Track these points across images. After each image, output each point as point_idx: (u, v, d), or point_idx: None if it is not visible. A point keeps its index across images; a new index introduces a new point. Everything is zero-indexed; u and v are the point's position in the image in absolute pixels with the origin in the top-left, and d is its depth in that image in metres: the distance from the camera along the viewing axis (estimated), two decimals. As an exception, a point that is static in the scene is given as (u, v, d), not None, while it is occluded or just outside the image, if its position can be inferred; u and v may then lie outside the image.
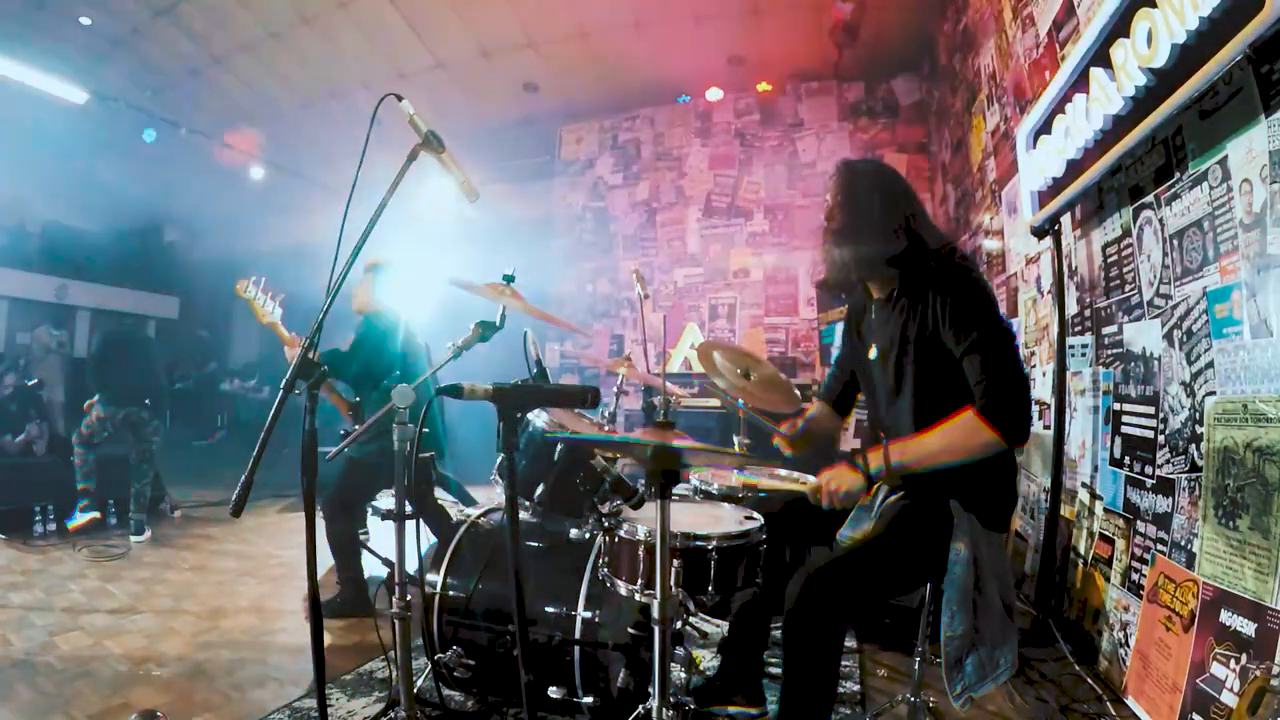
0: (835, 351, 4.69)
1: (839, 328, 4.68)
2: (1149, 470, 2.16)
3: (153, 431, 4.36)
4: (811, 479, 1.65)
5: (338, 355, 2.86)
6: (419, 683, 2.06)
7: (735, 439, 2.77)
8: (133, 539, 4.02)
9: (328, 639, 2.62)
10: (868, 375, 1.78)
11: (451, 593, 1.99)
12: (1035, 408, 3.27)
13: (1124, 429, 2.34)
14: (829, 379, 2.03)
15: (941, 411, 1.47)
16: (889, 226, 1.59)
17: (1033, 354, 3.34)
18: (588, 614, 1.80)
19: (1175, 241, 2.01)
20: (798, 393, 2.35)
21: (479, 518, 2.16)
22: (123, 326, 4.99)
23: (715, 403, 4.91)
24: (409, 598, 1.72)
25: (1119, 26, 1.97)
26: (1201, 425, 1.87)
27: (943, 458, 1.48)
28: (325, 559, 3.41)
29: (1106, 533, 2.43)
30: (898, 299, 1.63)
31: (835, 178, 1.69)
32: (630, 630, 1.77)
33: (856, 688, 2.29)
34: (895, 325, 1.62)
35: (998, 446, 1.41)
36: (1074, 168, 2.38)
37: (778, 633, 1.70)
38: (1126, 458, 2.32)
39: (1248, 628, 1.62)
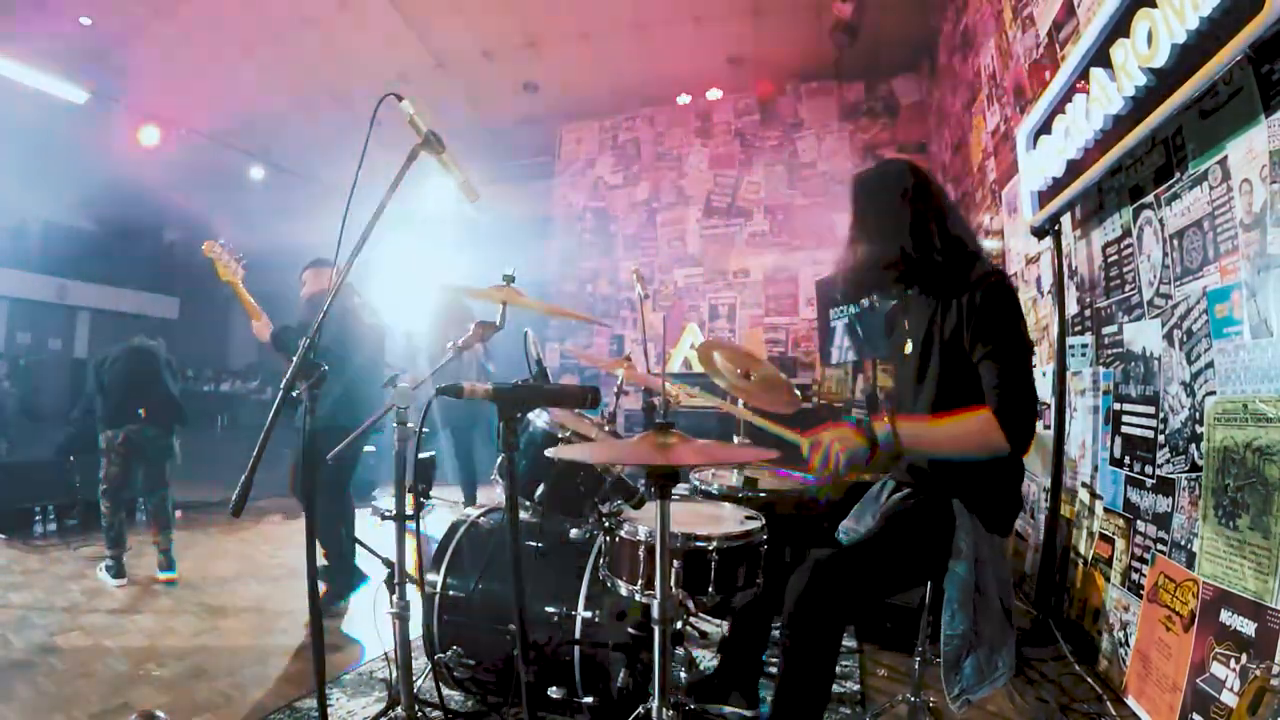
0: (836, 353, 4.70)
1: (840, 326, 4.68)
2: (1149, 470, 2.16)
3: (160, 449, 3.57)
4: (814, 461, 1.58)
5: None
6: (419, 682, 2.06)
7: (735, 439, 2.77)
8: (112, 582, 3.26)
9: (328, 639, 2.62)
10: (897, 369, 1.80)
11: (451, 592, 1.99)
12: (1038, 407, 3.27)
13: (1124, 429, 2.34)
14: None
15: (1029, 419, 1.47)
16: (912, 228, 1.60)
17: (1033, 354, 3.34)
18: (588, 614, 1.80)
19: (1175, 241, 2.01)
20: (798, 393, 2.35)
21: (479, 518, 2.16)
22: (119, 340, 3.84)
23: (715, 402, 4.91)
24: (408, 597, 1.73)
25: (1119, 26, 1.97)
26: (1201, 425, 1.87)
27: (947, 448, 1.50)
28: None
29: (1106, 532, 2.43)
30: (928, 296, 1.65)
31: (854, 187, 1.71)
32: (630, 630, 1.77)
33: (856, 688, 2.29)
34: (924, 322, 1.63)
35: (1001, 451, 1.43)
36: (1074, 168, 2.38)
37: (778, 633, 1.70)
38: (1126, 457, 2.32)
39: (1248, 627, 1.62)
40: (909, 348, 1.71)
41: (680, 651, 1.65)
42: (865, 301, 4.39)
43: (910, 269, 1.62)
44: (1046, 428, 2.98)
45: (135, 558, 3.49)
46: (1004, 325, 1.50)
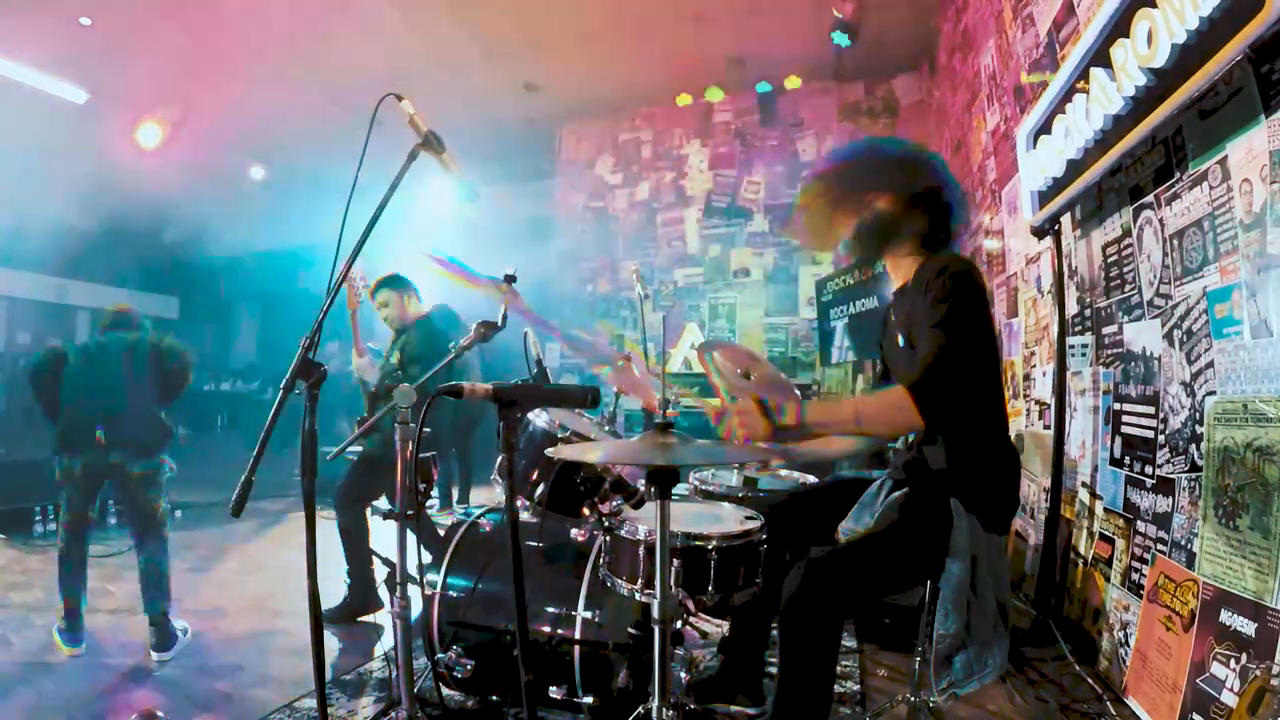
0: (836, 353, 4.70)
1: (840, 326, 4.68)
2: (1149, 470, 2.16)
3: (137, 482, 2.69)
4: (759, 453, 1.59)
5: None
6: (419, 683, 2.06)
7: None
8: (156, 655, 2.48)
9: (328, 639, 2.62)
10: (895, 363, 1.81)
11: (451, 593, 1.99)
12: (1036, 407, 3.27)
13: (1124, 429, 2.34)
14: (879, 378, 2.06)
15: (943, 398, 1.44)
16: (915, 213, 1.63)
17: (1033, 354, 3.34)
18: (588, 614, 1.80)
19: (1175, 241, 2.01)
20: (798, 393, 2.34)
21: (479, 518, 2.17)
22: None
23: (716, 402, 4.91)
24: (409, 598, 1.72)
25: (1119, 26, 1.97)
26: (1201, 425, 1.87)
27: (859, 428, 1.50)
28: (326, 560, 3.40)
29: (1106, 532, 2.43)
30: (914, 286, 1.65)
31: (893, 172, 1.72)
32: (630, 630, 1.77)
33: (856, 688, 2.29)
34: (906, 312, 1.65)
35: (914, 428, 1.42)
36: (1074, 168, 2.38)
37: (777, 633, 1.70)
38: (1126, 457, 2.32)
39: (1248, 627, 1.62)
40: (901, 340, 1.73)
41: (680, 651, 1.65)
42: (860, 304, 4.41)
43: (909, 252, 1.66)
44: (1046, 428, 2.99)
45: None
46: (956, 304, 1.48)
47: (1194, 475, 1.90)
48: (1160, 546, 2.06)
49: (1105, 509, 2.46)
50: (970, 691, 1.52)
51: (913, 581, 1.65)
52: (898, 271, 1.76)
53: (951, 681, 1.49)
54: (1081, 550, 2.63)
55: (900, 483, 1.69)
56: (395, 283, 3.17)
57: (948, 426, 1.40)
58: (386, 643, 2.44)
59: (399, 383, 2.82)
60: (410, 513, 1.67)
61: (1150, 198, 2.14)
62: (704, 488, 2.46)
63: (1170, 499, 2.02)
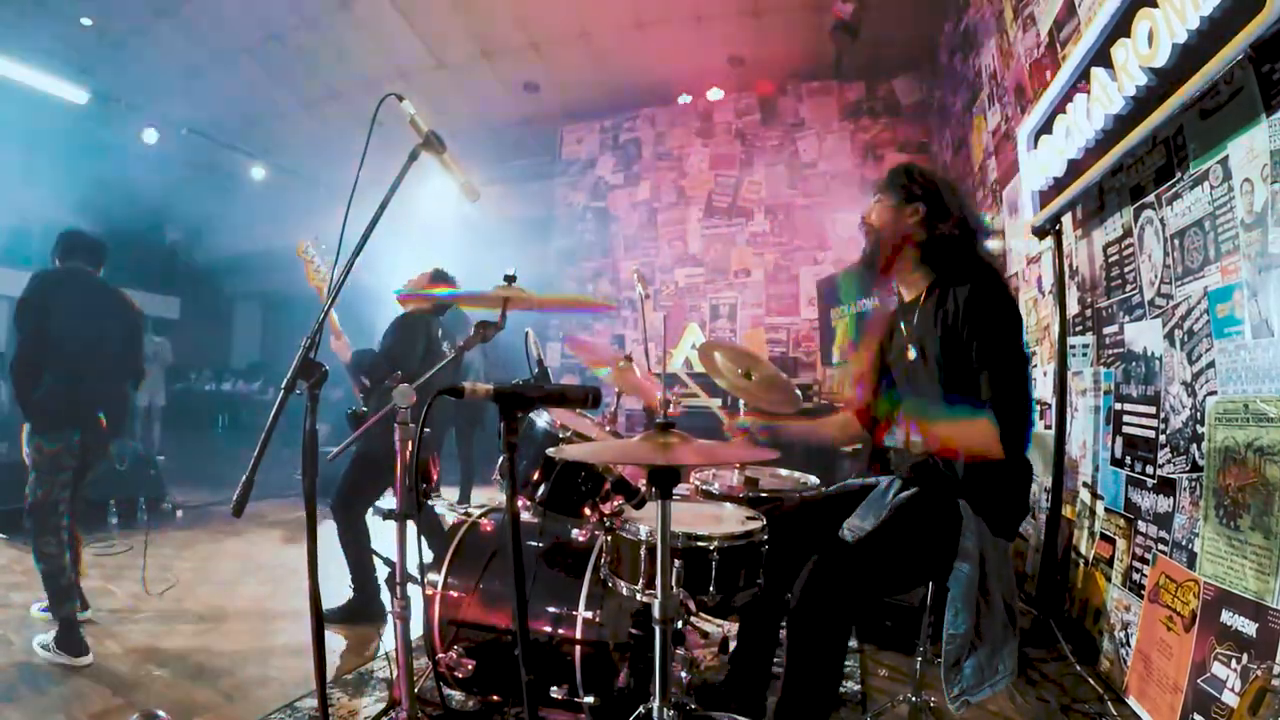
0: (836, 353, 4.70)
1: (840, 328, 4.68)
2: (1150, 470, 2.16)
3: (95, 450, 2.71)
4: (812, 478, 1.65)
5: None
6: (420, 683, 2.06)
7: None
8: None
9: (329, 639, 2.61)
10: (904, 376, 1.81)
11: (452, 592, 1.99)
12: (1036, 408, 3.27)
13: (1125, 429, 2.34)
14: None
15: (1015, 424, 1.50)
16: (929, 231, 1.67)
17: (1034, 354, 3.34)
18: (589, 613, 1.80)
19: (1176, 241, 2.01)
20: (799, 393, 2.35)
21: (480, 517, 2.16)
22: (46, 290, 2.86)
23: (717, 401, 4.91)
24: (409, 597, 1.72)
25: (1120, 26, 1.97)
26: (1202, 425, 1.87)
27: (947, 448, 1.58)
28: (326, 560, 3.40)
29: (1107, 533, 2.42)
30: (928, 299, 1.67)
31: (884, 180, 1.78)
32: (631, 630, 1.77)
33: (857, 688, 2.29)
34: (926, 325, 1.66)
35: (995, 458, 1.48)
36: (1075, 167, 2.38)
37: (784, 634, 1.70)
38: (1127, 457, 2.32)
39: (1249, 628, 1.62)
40: (912, 354, 1.72)
41: (681, 651, 1.65)
42: (861, 304, 4.41)
43: (923, 268, 1.71)
44: (1048, 428, 2.98)
45: (127, 570, 3.47)
46: (996, 331, 1.52)
47: (1195, 475, 1.90)
48: (1161, 546, 2.06)
49: (1106, 509, 2.46)
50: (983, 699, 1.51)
51: (919, 581, 1.66)
52: (907, 284, 1.78)
53: (964, 689, 1.49)
54: (1082, 550, 2.63)
55: (909, 483, 1.69)
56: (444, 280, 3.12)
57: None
58: (387, 642, 2.44)
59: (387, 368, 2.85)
60: (410, 515, 1.67)
61: (1151, 197, 2.14)
62: (705, 488, 2.46)
63: (1171, 499, 2.02)
